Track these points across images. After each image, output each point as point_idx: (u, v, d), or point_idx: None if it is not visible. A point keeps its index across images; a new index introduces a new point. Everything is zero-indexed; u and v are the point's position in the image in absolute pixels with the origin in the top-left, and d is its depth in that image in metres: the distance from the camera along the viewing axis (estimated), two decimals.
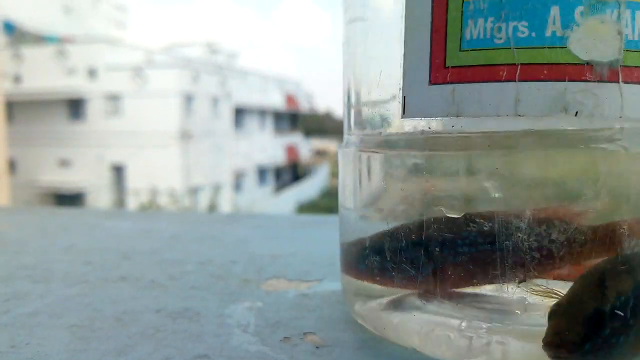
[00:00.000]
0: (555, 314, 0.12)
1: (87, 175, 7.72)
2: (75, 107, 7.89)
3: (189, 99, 7.73)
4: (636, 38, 0.12)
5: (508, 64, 0.13)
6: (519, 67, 0.13)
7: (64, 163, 7.89)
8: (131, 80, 7.63)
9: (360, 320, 0.17)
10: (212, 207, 6.20)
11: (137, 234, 0.34)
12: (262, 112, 9.82)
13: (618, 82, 0.12)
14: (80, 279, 0.22)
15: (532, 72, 0.12)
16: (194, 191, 7.40)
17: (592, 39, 0.12)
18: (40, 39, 8.96)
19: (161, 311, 0.18)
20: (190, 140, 7.62)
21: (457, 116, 0.13)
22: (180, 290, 0.21)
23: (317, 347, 0.15)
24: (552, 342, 0.12)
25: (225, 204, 7.20)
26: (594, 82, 0.12)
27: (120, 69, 7.64)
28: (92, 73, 7.77)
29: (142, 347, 0.15)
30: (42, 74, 7.64)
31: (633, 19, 0.12)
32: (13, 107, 7.30)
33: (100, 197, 7.44)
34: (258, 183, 9.37)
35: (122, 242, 0.30)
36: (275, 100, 10.34)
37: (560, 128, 0.13)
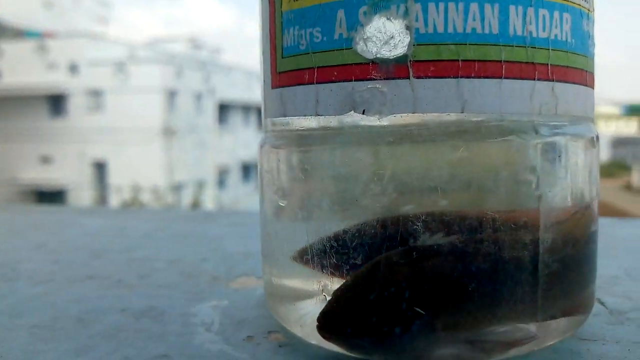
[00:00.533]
0: (332, 296, 0.13)
1: (68, 172, 7.63)
2: (56, 102, 7.79)
3: (172, 95, 7.67)
4: (430, 31, 0.12)
5: (309, 68, 0.13)
6: (316, 70, 0.13)
7: (45, 160, 7.79)
8: (113, 76, 7.55)
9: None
10: (196, 204, 6.16)
11: (111, 232, 0.33)
12: (246, 108, 9.76)
13: (408, 77, 0.12)
14: (47, 278, 0.22)
15: (327, 75, 0.13)
16: (177, 188, 7.36)
17: (377, 37, 0.12)
18: (20, 34, 8.84)
19: (125, 310, 0.18)
20: (174, 137, 7.56)
21: (285, 116, 0.14)
22: (148, 289, 0.21)
23: (280, 345, 0.15)
24: (319, 322, 0.13)
25: (209, 201, 7.15)
26: (381, 79, 0.12)
27: (102, 65, 7.56)
28: (73, 68, 7.68)
29: (102, 347, 0.15)
30: (23, 70, 7.53)
31: (425, 11, 0.12)
32: None
33: (82, 194, 7.36)
34: (242, 180, 9.33)
35: (94, 240, 0.30)
36: (260, 96, 10.27)
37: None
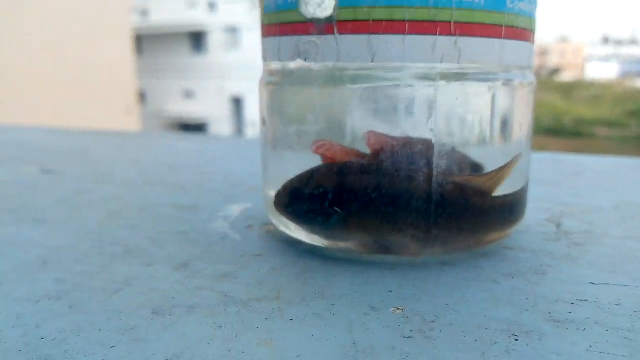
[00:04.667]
0: (282, 186, 0.18)
1: (209, 106, 8.16)
2: (197, 39, 8.27)
3: None
4: None
5: (275, 24, 0.18)
6: (279, 26, 0.18)
7: (188, 94, 8.38)
8: (249, 13, 7.81)
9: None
10: None
11: (193, 153, 0.40)
12: None
13: (334, 33, 0.16)
14: (129, 183, 0.29)
15: (284, 29, 0.17)
16: None
17: (313, 1, 0.16)
18: None
19: (175, 205, 0.25)
20: None
21: (265, 60, 0.19)
22: (199, 193, 0.27)
23: (267, 232, 0.21)
24: (274, 199, 0.19)
25: None
26: (316, 35, 0.16)
27: (239, 1, 7.84)
28: (212, 6, 8.04)
29: (146, 224, 0.22)
30: (166, 8, 8.03)
31: None
32: (141, 40, 7.79)
33: (222, 127, 7.86)
34: None
35: (178, 158, 0.37)
36: None
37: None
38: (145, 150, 0.42)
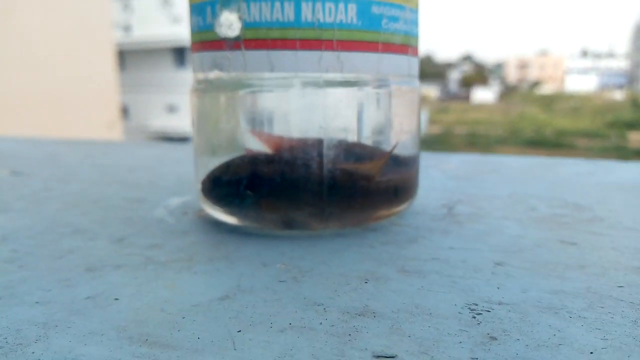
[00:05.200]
0: (206, 175, 0.22)
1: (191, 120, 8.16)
2: (180, 54, 8.31)
3: None
4: (252, 20, 0.19)
5: (198, 42, 0.22)
6: (201, 43, 0.22)
7: (172, 109, 8.40)
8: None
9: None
10: None
11: (153, 157, 0.44)
12: None
13: (241, 49, 0.20)
14: (90, 182, 0.33)
15: (204, 46, 0.21)
16: None
17: (224, 23, 0.20)
18: None
19: (125, 198, 0.28)
20: None
21: (194, 71, 0.23)
22: (150, 190, 0.30)
23: (199, 217, 0.24)
24: (200, 186, 0.22)
25: None
26: (227, 50, 0.20)
27: None
28: None
29: (97, 212, 0.25)
30: (150, 23, 8.08)
31: (249, 7, 0.19)
32: (124, 55, 7.81)
33: None
34: None
35: (138, 162, 0.41)
36: None
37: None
38: (110, 156, 0.45)
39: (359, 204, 0.21)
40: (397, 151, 0.22)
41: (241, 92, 0.21)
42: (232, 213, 0.22)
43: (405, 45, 0.22)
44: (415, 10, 0.22)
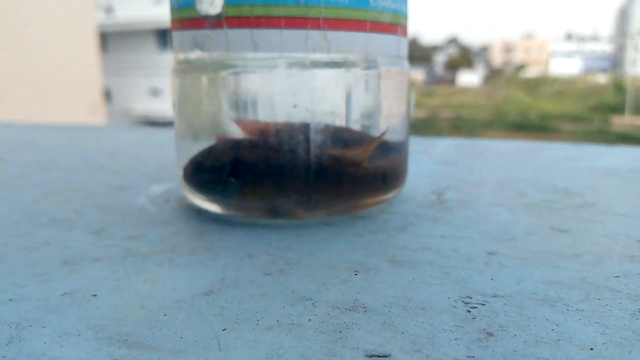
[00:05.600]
0: (188, 161, 0.21)
1: None
2: (163, 36, 8.20)
3: None
4: None
5: (178, 19, 0.21)
6: (181, 21, 0.21)
7: (155, 92, 8.30)
8: None
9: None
10: None
11: (135, 142, 0.43)
12: None
13: (223, 27, 0.19)
14: (70, 168, 0.32)
15: (184, 24, 0.20)
16: None
17: (206, 0, 0.19)
18: None
19: (106, 186, 0.27)
20: None
21: (174, 51, 0.22)
22: (131, 176, 0.29)
23: (180, 204, 0.24)
24: (182, 172, 0.22)
25: None
26: (209, 29, 0.19)
27: None
28: None
29: (75, 200, 0.24)
30: (132, 4, 7.94)
31: None
32: (107, 37, 7.68)
33: None
34: None
35: (120, 147, 0.40)
36: None
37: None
38: (91, 141, 0.44)
39: (347, 191, 0.21)
40: (386, 136, 0.22)
41: (223, 73, 0.20)
42: (215, 201, 0.21)
43: (395, 25, 0.21)
44: None
